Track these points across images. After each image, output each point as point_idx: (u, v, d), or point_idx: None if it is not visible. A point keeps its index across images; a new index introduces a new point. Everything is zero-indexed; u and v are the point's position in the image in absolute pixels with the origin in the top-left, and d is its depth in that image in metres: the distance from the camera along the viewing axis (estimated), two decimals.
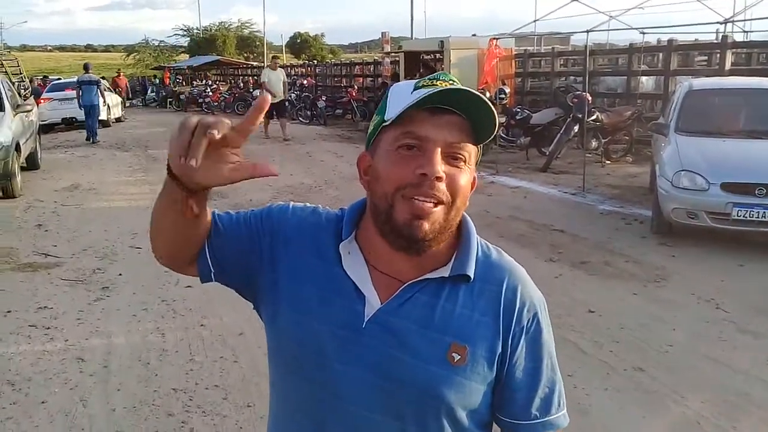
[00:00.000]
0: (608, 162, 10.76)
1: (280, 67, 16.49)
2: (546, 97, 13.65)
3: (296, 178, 9.76)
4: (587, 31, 8.93)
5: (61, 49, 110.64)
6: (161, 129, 18.78)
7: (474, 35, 15.12)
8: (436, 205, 1.00)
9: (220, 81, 32.56)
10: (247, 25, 52.26)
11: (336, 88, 23.27)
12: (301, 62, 37.84)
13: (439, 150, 1.00)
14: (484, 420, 1.12)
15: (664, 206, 6.08)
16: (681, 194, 5.90)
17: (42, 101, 18.75)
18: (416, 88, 1.03)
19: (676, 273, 5.33)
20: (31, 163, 10.82)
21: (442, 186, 1.00)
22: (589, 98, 10.13)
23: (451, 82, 1.03)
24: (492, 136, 1.05)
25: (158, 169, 10.76)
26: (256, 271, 1.13)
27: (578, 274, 5.39)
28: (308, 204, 1.21)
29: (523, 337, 1.09)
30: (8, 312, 4.70)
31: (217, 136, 0.87)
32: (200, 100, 26.68)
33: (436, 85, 1.01)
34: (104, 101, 17.33)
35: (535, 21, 10.14)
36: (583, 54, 11.93)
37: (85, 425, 3.23)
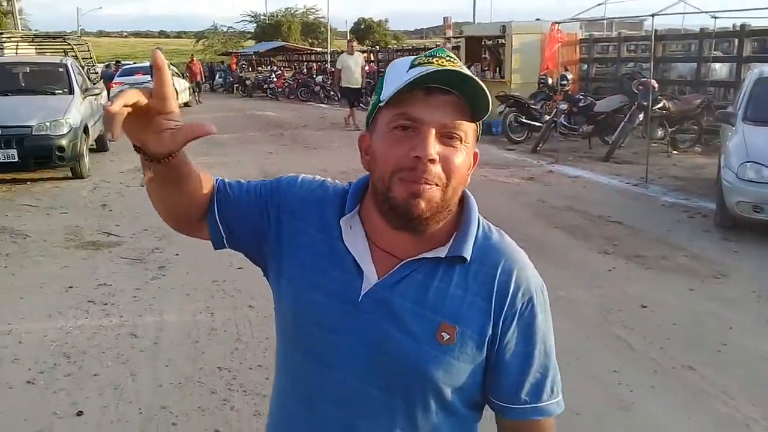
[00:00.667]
0: (675, 152, 10.38)
1: (358, 51, 15.84)
2: (611, 84, 13.23)
3: (351, 163, 9.79)
4: (653, 15, 8.57)
5: (136, 35, 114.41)
6: (227, 114, 19.22)
7: (538, 19, 14.77)
8: (432, 186, 1.01)
9: (284, 67, 33.02)
10: (312, 11, 52.71)
11: None
12: (363, 48, 37.89)
13: (433, 131, 1.00)
14: (473, 400, 1.12)
15: (728, 199, 5.82)
16: (746, 186, 5.64)
17: (113, 85, 19.50)
18: (412, 66, 1.02)
19: (737, 269, 5.11)
20: (100, 145, 11.27)
21: (436, 168, 1.00)
22: (655, 85, 9.75)
23: (448, 58, 1.02)
24: (486, 115, 1.05)
25: (219, 153, 11.06)
26: (263, 240, 1.16)
27: (633, 267, 5.23)
28: (318, 177, 1.22)
29: (516, 320, 1.08)
30: (70, 287, 4.92)
31: (115, 109, 0.89)
32: (265, 86, 27.16)
33: (432, 63, 1.00)
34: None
35: (599, 5, 9.75)
36: (649, 39, 11.49)
37: (133, 398, 3.36)
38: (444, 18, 19.31)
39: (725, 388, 3.38)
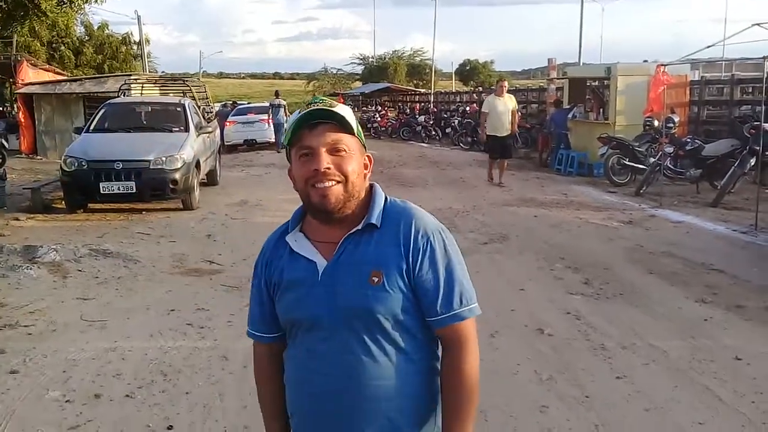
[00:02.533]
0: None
1: (509, 92, 12.59)
2: (723, 128, 12.65)
3: (445, 202, 9.90)
4: (764, 58, 8.18)
5: (253, 76, 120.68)
6: None
7: (645, 61, 14.42)
8: (334, 183, 1.47)
9: (389, 107, 33.80)
10: (419, 53, 53.83)
11: None
12: (467, 89, 38.20)
13: (323, 150, 1.47)
14: (413, 326, 1.51)
15: None
16: None
17: (227, 124, 20.70)
18: (299, 112, 1.48)
19: None
20: (211, 180, 11.99)
21: (331, 173, 1.46)
22: None
23: (320, 101, 1.48)
24: (354, 129, 1.50)
25: None
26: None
27: (731, 318, 4.96)
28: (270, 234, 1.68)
29: (420, 255, 1.49)
30: (171, 311, 5.27)
31: None
32: (369, 125, 27.89)
33: (311, 106, 1.48)
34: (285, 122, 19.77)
35: (708, 47, 9.43)
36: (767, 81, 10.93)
37: (219, 417, 3.56)
38: (548, 59, 19.11)
39: None
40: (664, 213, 9.18)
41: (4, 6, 7.23)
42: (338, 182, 1.47)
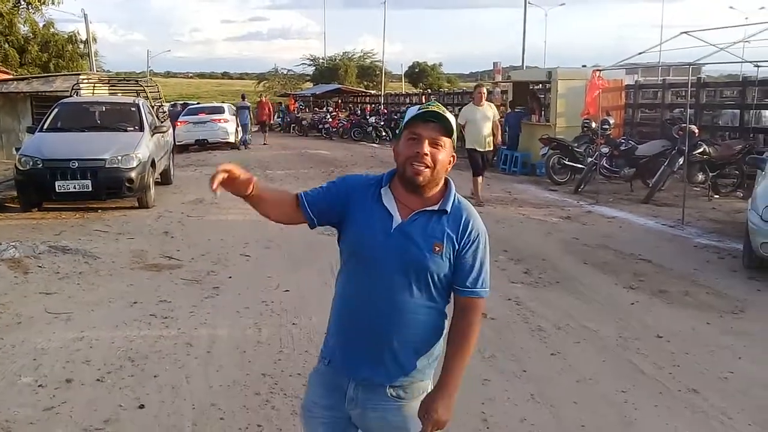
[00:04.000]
0: (716, 196, 10.50)
1: (489, 101, 10.57)
2: (655, 129, 13.43)
3: None
4: (689, 65, 8.85)
5: (201, 75, 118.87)
6: (283, 152, 20.08)
7: (584, 66, 15.15)
8: (426, 167, 1.92)
9: (340, 108, 34.08)
10: (369, 54, 54.25)
11: None
12: (417, 91, 38.76)
13: (426, 140, 1.93)
14: (447, 283, 2.00)
15: (753, 240, 6.03)
16: None
17: (178, 124, 20.65)
18: (419, 108, 1.96)
19: (756, 306, 5.31)
20: (165, 179, 12.09)
21: (427, 159, 1.92)
22: (696, 131, 9.98)
23: (436, 104, 1.97)
24: (453, 133, 1.95)
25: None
26: (339, 214, 2.03)
27: (655, 302, 5.49)
28: (360, 173, 2.15)
29: (469, 244, 1.98)
30: (134, 303, 5.48)
31: (213, 188, 1.84)
32: (320, 126, 28.15)
33: (428, 108, 1.95)
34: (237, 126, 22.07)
35: (640, 53, 10.08)
36: (694, 86, 11.72)
37: (187, 396, 3.83)
38: (494, 63, 19.80)
39: (725, 410, 3.63)
40: (600, 209, 9.79)
41: None
42: (428, 167, 1.92)
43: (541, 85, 15.91)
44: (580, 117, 12.16)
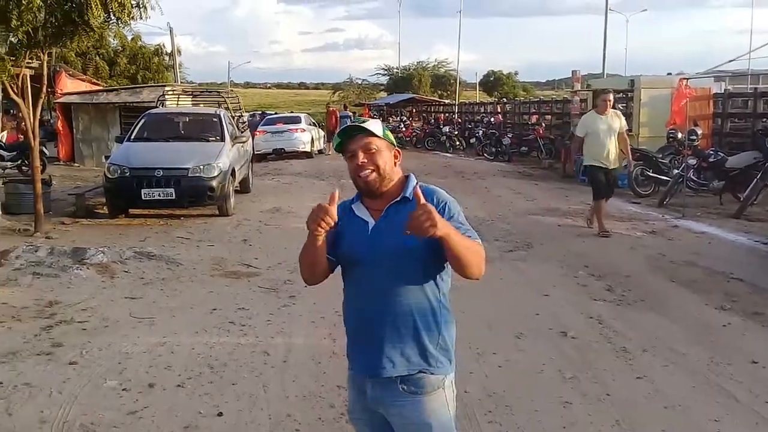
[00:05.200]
0: None
1: (615, 111, 8.75)
2: (746, 140, 12.74)
3: (470, 211, 10.14)
4: None
5: (278, 86, 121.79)
6: None
7: (669, 74, 14.57)
8: (371, 172, 2.12)
9: (413, 118, 34.15)
10: (443, 63, 54.18)
11: (524, 125, 23.36)
12: (491, 100, 38.38)
13: (359, 151, 2.13)
14: (434, 264, 2.13)
15: None
16: None
17: (257, 133, 21.18)
18: (338, 133, 2.20)
19: None
20: (244, 187, 12.39)
21: (367, 165, 2.12)
22: None
23: (356, 121, 2.21)
24: (373, 131, 2.13)
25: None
26: (336, 243, 2.21)
27: (749, 324, 5.16)
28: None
29: (441, 212, 2.03)
30: (214, 310, 5.60)
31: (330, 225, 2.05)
32: (394, 135, 28.25)
33: (345, 127, 2.19)
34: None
35: (730, 61, 9.60)
36: None
37: (264, 406, 3.86)
38: (572, 71, 19.29)
39: None
40: (687, 224, 9.34)
41: (54, 22, 7.62)
42: (373, 170, 2.13)
43: (622, 93, 15.41)
44: (666, 127, 11.68)
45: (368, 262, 2.15)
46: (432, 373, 2.15)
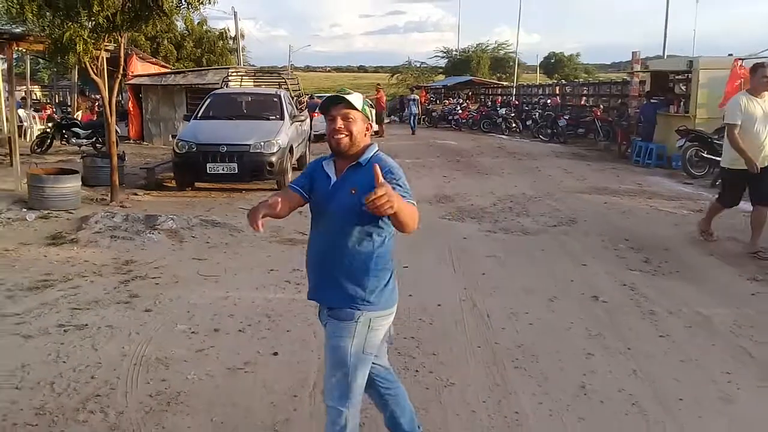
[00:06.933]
0: None
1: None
2: None
3: (519, 189, 10.43)
4: None
5: (338, 69, 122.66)
6: (412, 143, 20.60)
7: (730, 55, 14.31)
8: (344, 136, 2.54)
9: (471, 100, 34.14)
10: (504, 45, 53.64)
11: (582, 107, 23.20)
12: (551, 82, 37.97)
13: (338, 117, 2.55)
14: (369, 221, 2.50)
15: None
16: None
17: (315, 115, 21.77)
18: (328, 97, 2.62)
19: None
20: (301, 164, 12.92)
21: (342, 130, 2.54)
22: None
23: (340, 92, 2.60)
24: (359, 107, 2.55)
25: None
26: (311, 186, 2.68)
27: None
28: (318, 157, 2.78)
29: (387, 177, 2.39)
30: (271, 270, 6.13)
31: (257, 228, 2.51)
32: (450, 117, 28.43)
33: (334, 94, 2.61)
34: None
35: None
36: None
37: (314, 348, 4.32)
38: (632, 52, 19.03)
39: None
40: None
41: (131, 7, 8.26)
42: (346, 135, 2.55)
43: (681, 75, 15.24)
44: (719, 108, 11.58)
45: (324, 212, 2.59)
46: (350, 308, 2.58)
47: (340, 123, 2.54)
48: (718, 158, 11.45)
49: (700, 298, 5.28)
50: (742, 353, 4.17)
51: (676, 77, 15.67)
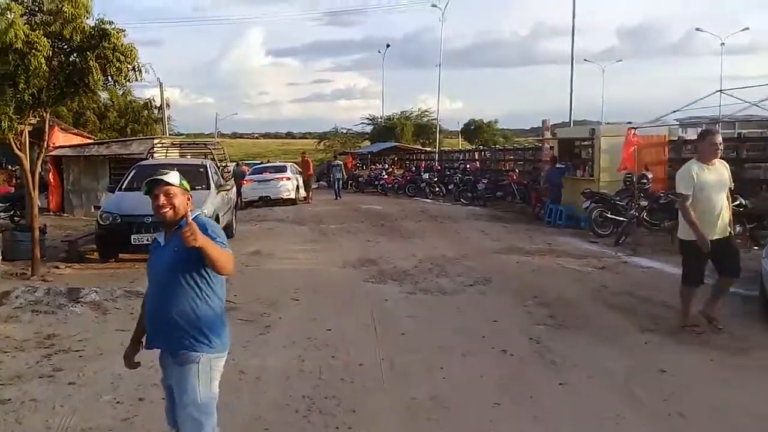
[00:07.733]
0: (755, 247, 10.68)
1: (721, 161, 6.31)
2: None
3: (439, 251, 10.93)
4: (717, 122, 9.29)
5: (266, 135, 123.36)
6: (337, 207, 21.05)
7: (629, 122, 15.60)
8: (168, 209, 3.02)
9: (396, 165, 35.19)
10: (426, 113, 55.71)
11: (500, 171, 24.38)
12: (471, 147, 39.64)
13: (161, 195, 3.02)
14: (199, 273, 3.02)
15: (766, 286, 6.38)
16: None
17: (245, 182, 22.05)
18: (146, 181, 3.11)
19: (761, 346, 5.66)
20: (228, 233, 13.09)
21: (166, 205, 3.02)
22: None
23: (159, 174, 3.07)
24: (177, 184, 3.08)
25: (326, 240, 12.53)
26: None
27: (666, 342, 5.90)
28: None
29: (205, 232, 2.91)
30: None
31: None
32: (375, 182, 29.19)
33: (152, 178, 3.07)
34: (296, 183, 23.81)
35: (674, 111, 10.59)
36: (734, 141, 12.04)
37: (237, 411, 4.51)
38: (542, 120, 20.40)
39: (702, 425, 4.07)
40: (637, 260, 10.15)
41: (57, 85, 8.45)
42: (170, 209, 3.01)
43: (588, 141, 16.43)
44: (617, 172, 12.60)
45: (156, 271, 3.12)
46: (189, 350, 3.06)
47: (162, 200, 3.00)
48: (621, 218, 12.44)
49: (598, 348, 5.77)
50: (631, 397, 4.63)
51: (582, 143, 16.87)
